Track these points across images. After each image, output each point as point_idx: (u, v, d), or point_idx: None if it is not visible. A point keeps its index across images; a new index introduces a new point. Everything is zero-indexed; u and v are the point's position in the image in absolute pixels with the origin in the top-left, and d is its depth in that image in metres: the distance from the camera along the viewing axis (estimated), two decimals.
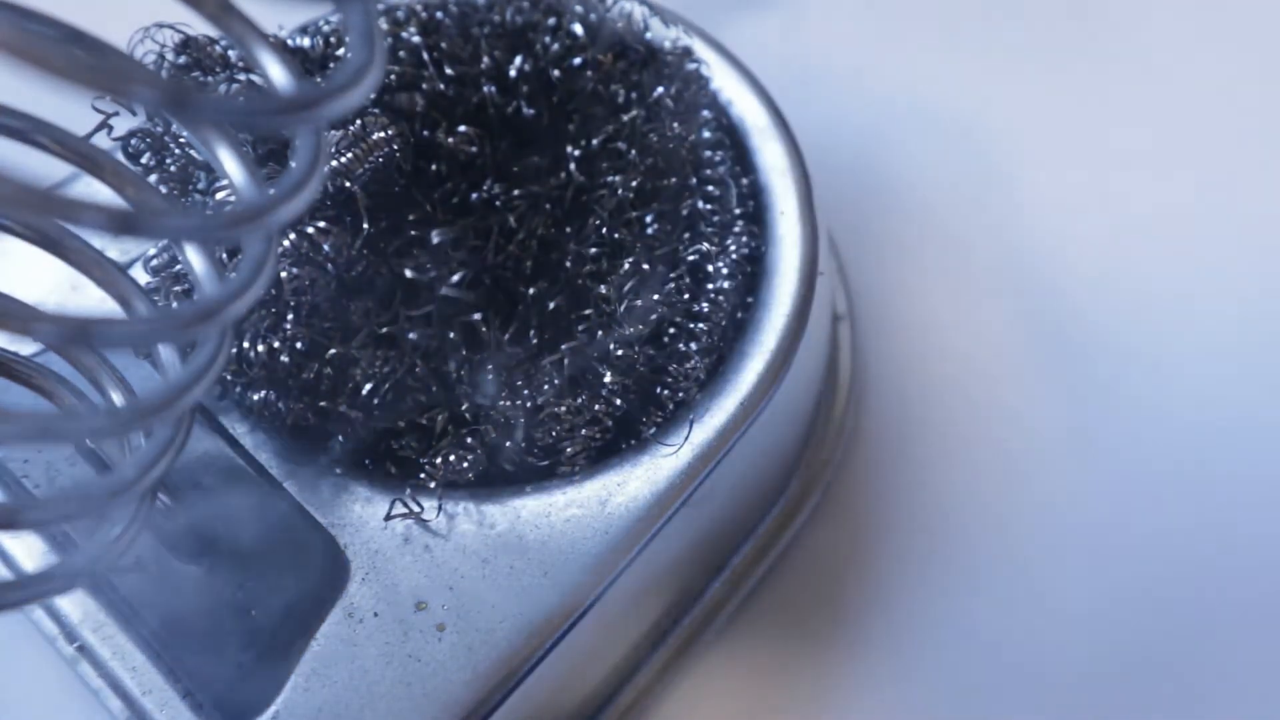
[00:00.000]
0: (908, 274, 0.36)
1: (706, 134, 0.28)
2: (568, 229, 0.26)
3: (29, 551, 0.25)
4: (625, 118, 0.26)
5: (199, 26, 0.19)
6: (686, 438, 0.25)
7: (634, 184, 0.26)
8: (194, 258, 0.20)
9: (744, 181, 0.29)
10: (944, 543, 0.32)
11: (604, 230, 0.26)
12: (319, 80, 0.26)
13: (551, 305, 0.25)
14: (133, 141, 0.24)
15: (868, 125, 0.38)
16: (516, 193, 0.26)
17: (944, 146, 0.38)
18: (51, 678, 0.27)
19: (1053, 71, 0.40)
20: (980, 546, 0.32)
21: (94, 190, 0.21)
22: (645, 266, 0.25)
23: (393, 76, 0.26)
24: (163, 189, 0.24)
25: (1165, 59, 0.40)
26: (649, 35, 0.29)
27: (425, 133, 0.26)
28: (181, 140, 0.24)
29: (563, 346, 0.25)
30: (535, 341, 0.26)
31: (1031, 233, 0.37)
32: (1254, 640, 0.31)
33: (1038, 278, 0.36)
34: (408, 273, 0.24)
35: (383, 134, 0.24)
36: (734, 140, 0.29)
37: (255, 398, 0.24)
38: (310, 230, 0.23)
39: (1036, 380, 0.34)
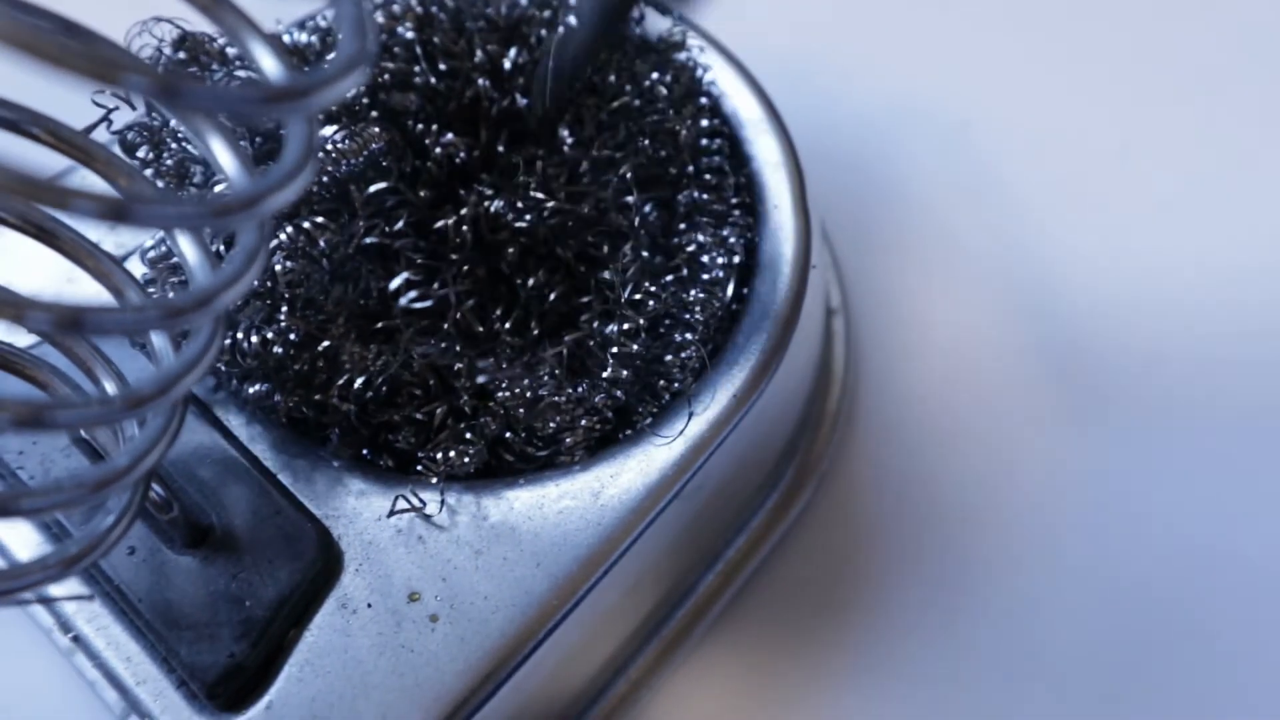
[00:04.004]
0: (902, 267, 0.36)
1: (704, 122, 0.28)
2: (569, 221, 0.26)
3: (23, 543, 0.25)
4: (616, 104, 0.27)
5: (197, 21, 0.19)
6: (683, 429, 0.25)
7: (631, 170, 0.26)
8: (186, 247, 0.20)
9: (737, 175, 0.29)
10: (938, 534, 0.32)
11: (605, 217, 0.26)
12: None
13: (552, 296, 0.25)
14: (129, 135, 0.24)
15: (862, 120, 0.38)
16: (517, 206, 0.26)
17: (939, 141, 0.38)
18: (49, 670, 0.27)
19: (1048, 66, 0.40)
20: (975, 537, 0.32)
21: (90, 183, 0.21)
22: (645, 254, 0.25)
23: (386, 75, 0.27)
24: (160, 183, 0.24)
25: (1165, 54, 0.40)
26: (640, 28, 0.29)
27: (419, 127, 0.26)
28: (179, 135, 0.24)
29: (566, 337, 0.25)
30: (536, 332, 0.26)
31: (1025, 226, 0.37)
32: (1251, 627, 0.31)
33: (1031, 270, 0.36)
34: (417, 259, 0.24)
35: (376, 129, 0.24)
36: (728, 133, 0.29)
37: (250, 390, 0.25)
38: (306, 225, 0.23)
39: (1030, 371, 0.34)
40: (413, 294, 0.24)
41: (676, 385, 0.26)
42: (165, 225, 0.19)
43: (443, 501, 0.24)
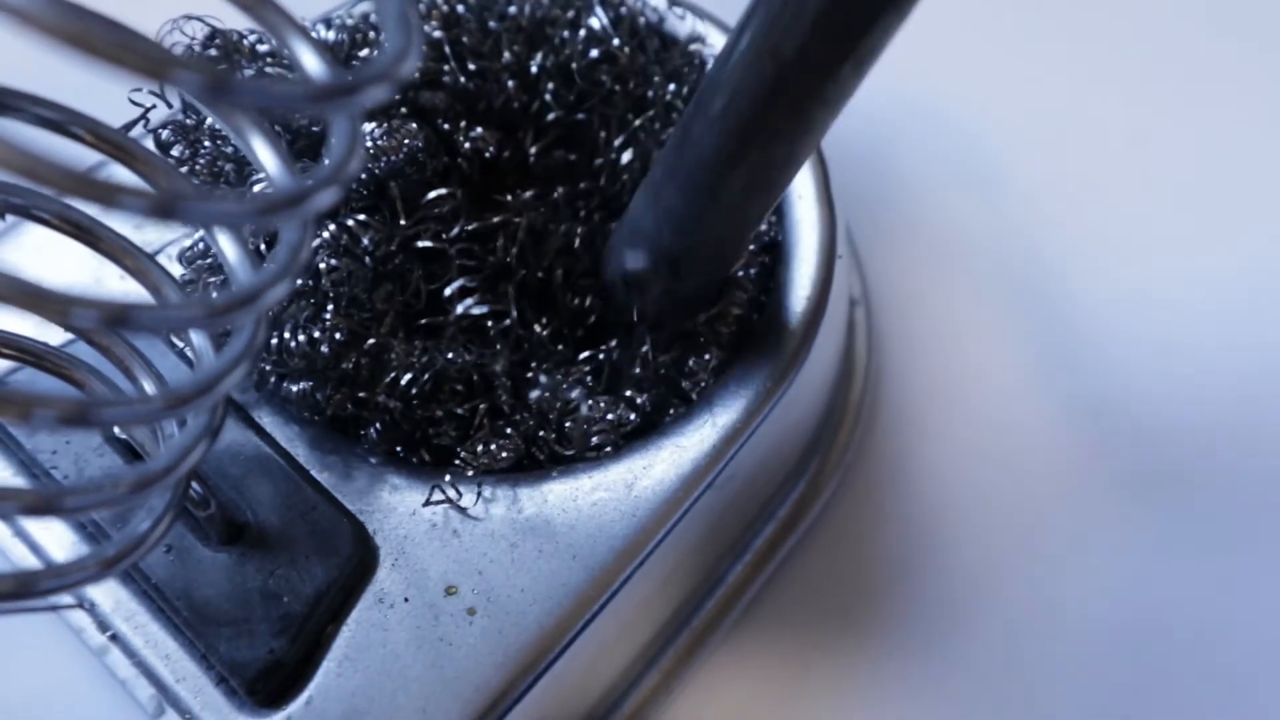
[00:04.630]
0: (921, 259, 0.36)
1: None
2: (598, 224, 0.26)
3: (59, 543, 0.25)
4: (638, 121, 0.27)
5: (228, 18, 0.19)
6: (709, 421, 0.25)
7: None
8: (226, 246, 0.20)
9: None
10: (963, 523, 0.32)
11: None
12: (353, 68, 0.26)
13: (592, 319, 0.26)
14: (164, 133, 0.24)
15: (878, 115, 0.38)
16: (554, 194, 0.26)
17: (956, 136, 0.38)
18: (80, 670, 0.27)
19: (1068, 63, 0.40)
20: (999, 525, 0.32)
21: (119, 179, 0.21)
22: None
23: (416, 74, 0.27)
24: (194, 181, 0.24)
25: (1184, 54, 0.40)
26: (664, 25, 0.29)
27: (445, 126, 0.26)
28: (213, 133, 0.24)
29: (601, 348, 0.25)
30: (571, 338, 0.26)
31: (1041, 222, 0.37)
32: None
33: (1047, 265, 0.36)
34: (467, 264, 0.24)
35: (414, 126, 0.24)
36: None
37: (294, 389, 0.25)
38: (350, 223, 0.23)
39: (1046, 364, 0.35)
40: (469, 301, 0.24)
41: (703, 384, 0.26)
42: (212, 222, 0.19)
43: (479, 493, 0.25)
